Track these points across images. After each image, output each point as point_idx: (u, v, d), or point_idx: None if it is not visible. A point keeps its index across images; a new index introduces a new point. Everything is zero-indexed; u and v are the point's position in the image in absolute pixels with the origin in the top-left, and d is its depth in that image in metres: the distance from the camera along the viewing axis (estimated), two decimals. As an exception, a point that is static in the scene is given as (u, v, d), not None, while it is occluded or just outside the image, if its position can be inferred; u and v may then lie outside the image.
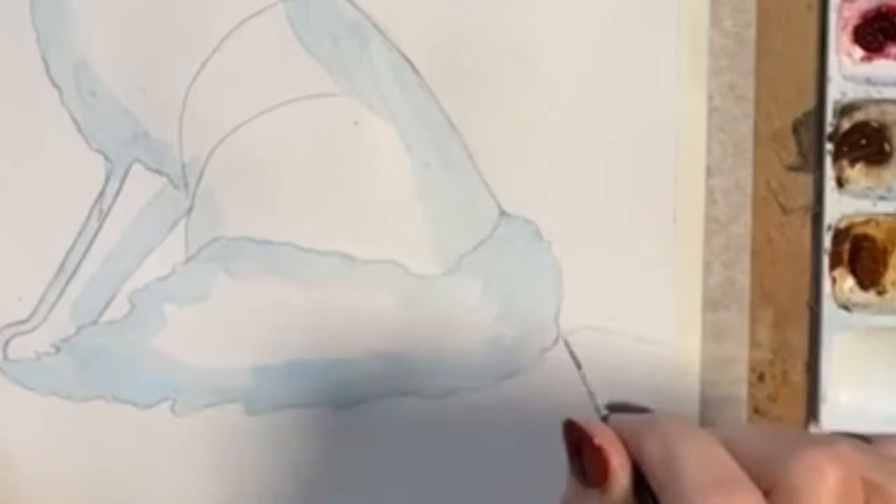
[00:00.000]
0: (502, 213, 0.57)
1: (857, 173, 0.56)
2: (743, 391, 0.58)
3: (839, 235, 0.56)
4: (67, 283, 0.58)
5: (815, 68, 0.57)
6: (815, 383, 0.57)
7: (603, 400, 0.43)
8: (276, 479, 0.59)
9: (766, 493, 0.38)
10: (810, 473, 0.38)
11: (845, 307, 0.56)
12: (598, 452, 0.40)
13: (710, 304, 0.57)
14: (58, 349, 0.58)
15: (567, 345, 0.45)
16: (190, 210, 0.58)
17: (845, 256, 0.56)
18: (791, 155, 0.57)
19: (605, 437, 0.41)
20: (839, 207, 0.56)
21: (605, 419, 0.42)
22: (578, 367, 0.45)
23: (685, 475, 0.38)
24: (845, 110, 0.56)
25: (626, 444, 0.40)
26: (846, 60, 0.56)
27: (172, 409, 0.58)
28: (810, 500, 0.38)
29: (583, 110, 0.57)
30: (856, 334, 0.56)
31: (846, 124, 0.56)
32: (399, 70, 0.57)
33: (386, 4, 0.57)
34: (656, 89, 0.56)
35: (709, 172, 0.57)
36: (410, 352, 0.58)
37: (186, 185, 0.58)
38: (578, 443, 0.41)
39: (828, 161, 0.56)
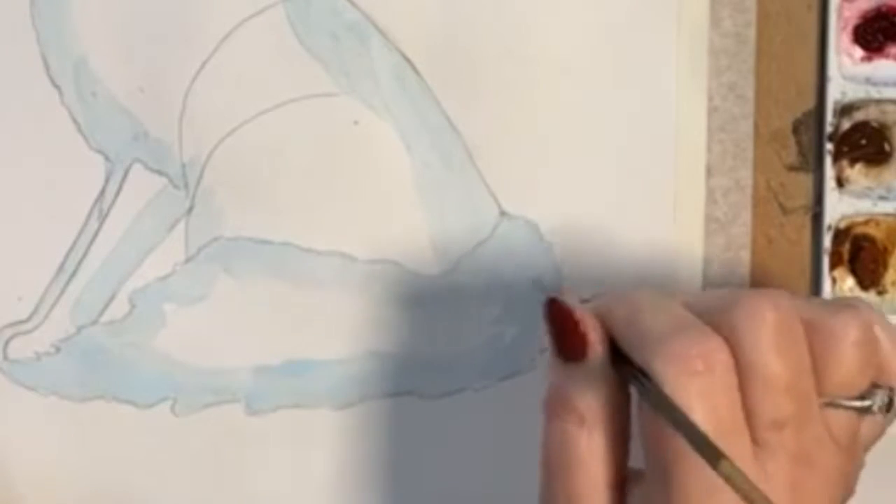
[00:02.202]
0: (502, 213, 0.57)
1: (857, 173, 0.56)
2: (743, 391, 0.58)
3: (839, 235, 0.56)
4: (67, 283, 0.58)
5: (815, 68, 0.57)
6: (815, 383, 0.57)
7: None
8: (276, 479, 0.59)
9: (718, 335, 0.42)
10: (750, 314, 0.42)
11: (845, 307, 0.56)
12: (577, 326, 0.44)
13: (710, 304, 0.57)
14: (58, 349, 0.58)
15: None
16: (190, 210, 0.58)
17: (845, 256, 0.56)
18: (791, 155, 0.57)
19: (582, 313, 0.44)
20: (839, 207, 0.56)
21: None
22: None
23: (648, 327, 0.43)
24: (845, 110, 0.56)
25: (601, 320, 0.44)
26: (846, 60, 0.56)
27: (172, 409, 0.58)
28: (751, 336, 0.42)
29: (583, 110, 0.57)
30: (856, 334, 0.56)
31: (846, 124, 0.56)
32: (399, 70, 0.57)
33: (386, 4, 0.57)
34: (656, 89, 0.56)
35: (709, 172, 0.57)
36: (410, 352, 0.58)
37: (186, 185, 0.58)
38: (559, 321, 0.44)
39: (828, 161, 0.56)
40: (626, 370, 0.43)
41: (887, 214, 0.56)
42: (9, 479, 0.59)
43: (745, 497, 0.39)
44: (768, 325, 0.42)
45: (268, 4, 0.57)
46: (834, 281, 0.56)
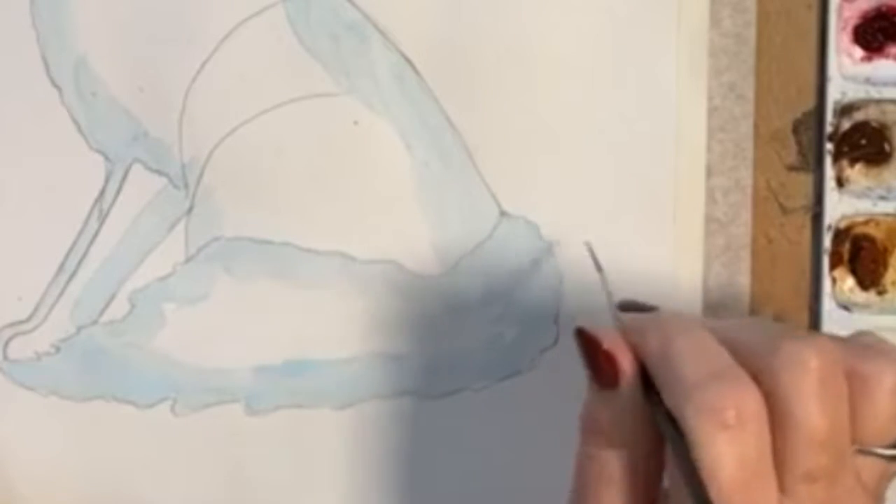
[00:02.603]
0: (502, 213, 0.57)
1: (857, 173, 0.56)
2: (743, 391, 0.57)
3: (839, 235, 0.56)
4: (67, 283, 0.58)
5: (815, 68, 0.57)
6: (815, 383, 0.57)
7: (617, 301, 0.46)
8: (276, 479, 0.59)
9: (755, 381, 0.41)
10: (794, 361, 0.41)
11: (845, 307, 0.56)
12: (607, 356, 0.43)
13: (710, 304, 0.57)
14: (58, 349, 0.58)
15: (589, 248, 0.47)
16: (190, 210, 0.58)
17: (845, 256, 0.56)
18: (791, 155, 0.57)
19: (612, 342, 0.43)
20: (839, 207, 0.56)
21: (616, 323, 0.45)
22: (599, 269, 0.47)
23: (681, 369, 0.41)
24: (845, 110, 0.56)
25: (631, 343, 0.43)
26: (846, 60, 0.56)
27: (172, 409, 0.58)
28: (792, 386, 0.40)
29: (583, 110, 0.57)
30: (856, 334, 0.56)
31: (846, 124, 0.56)
32: (399, 70, 0.57)
33: (386, 4, 0.57)
34: (656, 89, 0.56)
35: (709, 172, 0.57)
36: (410, 352, 0.58)
37: (186, 185, 0.58)
38: (589, 350, 0.43)
39: (828, 161, 0.56)
40: (655, 406, 0.42)
41: (887, 214, 0.56)
42: (9, 479, 0.59)
43: None
44: (812, 376, 0.40)
45: (268, 4, 0.57)
46: (834, 281, 0.56)
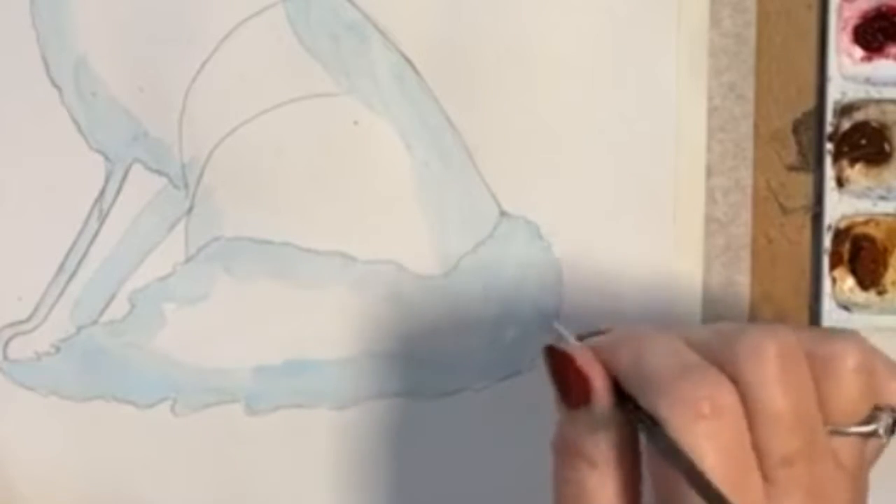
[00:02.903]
0: (502, 213, 0.57)
1: (857, 173, 0.56)
2: (743, 391, 0.57)
3: (839, 235, 0.56)
4: (67, 283, 0.58)
5: (815, 68, 0.57)
6: (815, 383, 0.57)
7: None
8: (276, 479, 0.59)
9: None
10: (752, 351, 0.42)
11: (845, 307, 0.56)
12: (579, 374, 0.43)
13: (710, 304, 0.57)
14: (58, 349, 0.58)
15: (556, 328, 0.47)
16: (190, 210, 0.58)
17: (845, 256, 0.56)
18: (791, 155, 0.57)
19: (584, 358, 0.44)
20: (839, 207, 0.56)
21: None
22: (553, 322, 0.47)
23: (654, 371, 0.42)
24: (845, 110, 0.56)
25: (601, 360, 0.44)
26: (846, 60, 0.56)
27: (172, 409, 0.58)
28: (754, 373, 0.42)
29: (583, 110, 0.57)
30: (856, 334, 0.56)
31: (846, 124, 0.56)
32: (399, 70, 0.57)
33: (386, 4, 0.57)
34: (656, 89, 0.56)
35: (709, 172, 0.57)
36: (410, 352, 0.58)
37: (186, 185, 0.58)
38: (560, 368, 0.44)
39: (828, 161, 0.56)
40: (633, 413, 0.43)
41: (887, 214, 0.56)
42: (9, 479, 0.59)
43: None
44: (771, 360, 0.42)
45: (268, 4, 0.57)
46: (834, 281, 0.56)
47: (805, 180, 0.57)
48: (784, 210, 0.57)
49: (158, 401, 0.58)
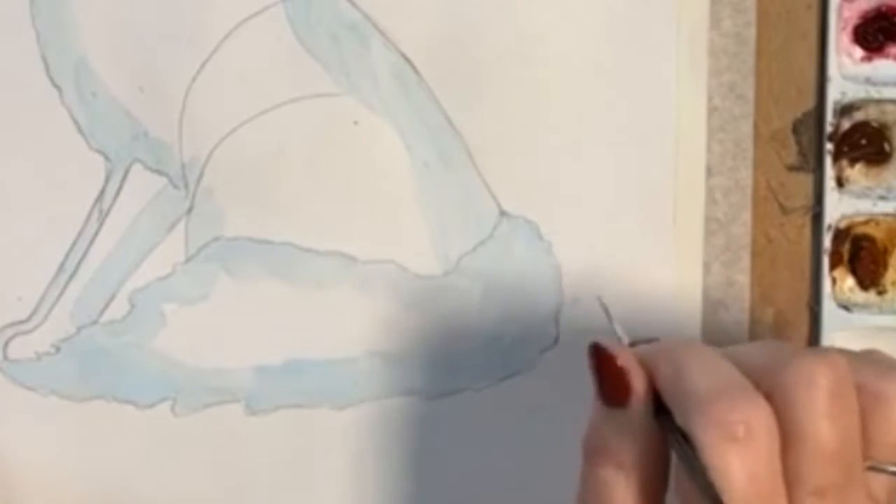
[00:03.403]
0: (502, 213, 0.57)
1: (857, 173, 0.56)
2: (743, 391, 0.57)
3: (839, 235, 0.56)
4: (67, 283, 0.58)
5: (815, 68, 0.57)
6: (815, 383, 0.57)
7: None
8: (276, 479, 0.59)
9: (766, 398, 0.41)
10: (803, 378, 0.41)
11: (845, 307, 0.56)
12: (621, 373, 0.43)
13: (710, 304, 0.57)
14: (58, 349, 0.58)
15: (600, 301, 0.47)
16: (190, 210, 0.58)
17: (845, 256, 0.56)
18: (791, 155, 0.57)
19: (626, 360, 0.43)
20: (839, 207, 0.56)
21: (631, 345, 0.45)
22: (611, 320, 0.47)
23: (692, 386, 0.41)
24: (845, 110, 0.56)
25: (646, 369, 0.43)
26: (846, 60, 0.56)
27: (172, 409, 0.58)
28: (802, 401, 0.41)
29: (583, 110, 0.57)
30: (856, 334, 0.56)
31: (846, 124, 0.56)
32: (399, 70, 0.57)
33: (386, 4, 0.57)
34: (656, 89, 0.56)
35: (709, 172, 0.57)
36: (410, 352, 0.58)
37: (186, 185, 0.58)
38: (602, 366, 0.44)
39: (828, 161, 0.56)
40: (666, 425, 0.42)
41: (887, 214, 0.56)
42: (9, 479, 0.59)
43: None
44: (822, 391, 0.41)
45: (268, 4, 0.57)
46: (834, 281, 0.56)
47: (805, 180, 0.57)
48: (784, 210, 0.57)
49: (158, 401, 0.58)
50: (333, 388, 0.58)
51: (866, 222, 0.56)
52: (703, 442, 0.40)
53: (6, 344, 0.59)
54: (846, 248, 0.56)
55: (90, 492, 0.59)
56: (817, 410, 0.41)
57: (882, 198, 0.56)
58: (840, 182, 0.56)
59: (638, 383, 0.43)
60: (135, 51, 0.57)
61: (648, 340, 0.45)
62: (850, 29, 0.56)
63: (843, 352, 0.42)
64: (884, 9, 0.56)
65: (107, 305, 0.58)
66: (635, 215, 0.57)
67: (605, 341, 0.44)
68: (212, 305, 0.58)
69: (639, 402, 0.43)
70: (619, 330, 0.46)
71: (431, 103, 0.57)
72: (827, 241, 0.56)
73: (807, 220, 0.57)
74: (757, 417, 0.40)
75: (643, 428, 0.43)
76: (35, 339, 0.58)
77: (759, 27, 0.56)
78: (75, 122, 0.58)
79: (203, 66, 0.57)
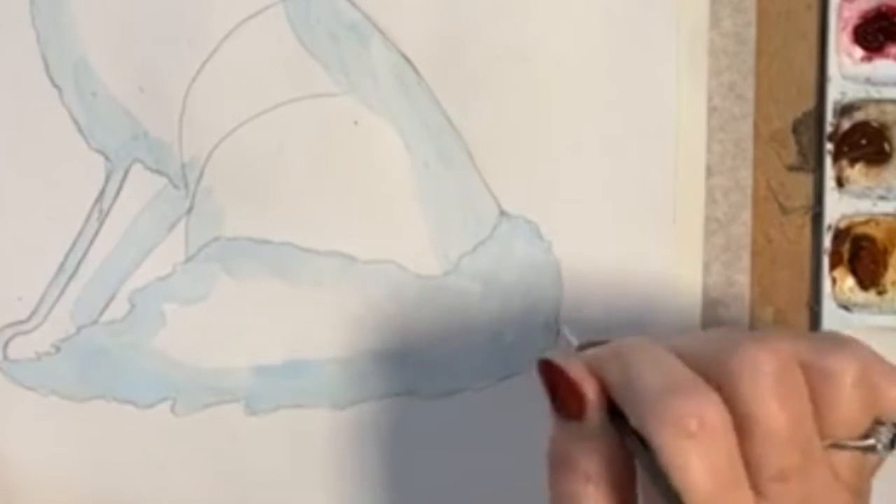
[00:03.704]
0: (502, 213, 0.57)
1: (857, 173, 0.56)
2: (743, 391, 0.57)
3: (839, 235, 0.56)
4: (67, 283, 0.58)
5: (815, 68, 0.57)
6: (815, 383, 0.57)
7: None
8: (276, 479, 0.59)
9: (715, 389, 0.41)
10: (747, 365, 0.41)
11: (845, 307, 0.56)
12: (572, 386, 0.43)
13: (710, 304, 0.57)
14: (58, 349, 0.58)
15: (562, 330, 0.47)
16: (190, 210, 0.58)
17: (845, 256, 0.56)
18: (791, 155, 0.57)
19: (576, 371, 0.43)
20: (839, 207, 0.56)
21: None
22: (558, 331, 0.47)
23: (641, 387, 0.41)
24: (845, 110, 0.56)
25: (595, 373, 0.43)
26: (846, 60, 0.56)
27: (172, 409, 0.58)
28: (749, 388, 0.41)
29: (583, 110, 0.57)
30: (856, 334, 0.56)
31: (846, 124, 0.56)
32: (399, 70, 0.57)
33: (386, 4, 0.57)
34: (656, 89, 0.56)
35: (709, 172, 0.57)
36: (410, 352, 0.58)
37: (186, 185, 0.58)
38: (554, 380, 0.44)
39: (828, 161, 0.56)
40: (623, 430, 0.42)
41: (887, 214, 0.56)
42: (9, 479, 0.59)
43: None
44: (767, 376, 0.41)
45: (268, 4, 0.57)
46: (834, 281, 0.56)
47: (805, 180, 0.57)
48: (784, 210, 0.57)
49: (158, 401, 0.58)
50: (333, 388, 0.58)
51: (866, 222, 0.56)
52: (658, 442, 0.40)
53: (6, 344, 0.59)
54: (846, 248, 0.56)
55: (90, 492, 0.59)
56: (765, 396, 0.41)
57: (882, 198, 0.56)
58: (840, 182, 0.56)
59: (590, 392, 0.43)
60: (135, 51, 0.57)
61: (598, 343, 0.45)
62: (850, 29, 0.56)
63: (786, 333, 0.43)
64: (884, 9, 0.56)
65: (107, 305, 0.58)
66: (635, 215, 0.57)
67: (554, 355, 0.44)
68: (212, 305, 0.58)
69: (594, 411, 0.43)
70: (566, 333, 0.46)
71: (431, 103, 0.57)
72: (827, 241, 0.56)
73: (807, 220, 0.57)
74: (708, 410, 0.40)
75: (603, 436, 0.43)
76: (35, 339, 0.58)
77: (759, 27, 0.56)
78: (75, 122, 0.58)
79: (203, 66, 0.57)
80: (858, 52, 0.56)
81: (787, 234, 0.57)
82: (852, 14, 0.56)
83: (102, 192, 0.58)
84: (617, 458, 0.43)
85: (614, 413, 0.43)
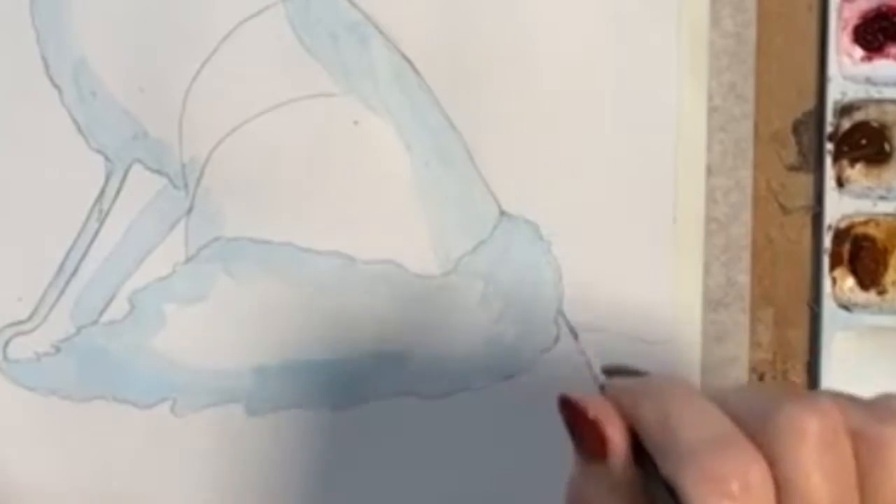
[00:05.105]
0: (502, 213, 0.57)
1: (857, 173, 0.56)
2: (743, 391, 0.57)
3: (839, 235, 0.56)
4: (67, 283, 0.58)
5: (815, 68, 0.57)
6: (815, 383, 0.57)
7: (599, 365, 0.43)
8: (276, 479, 0.59)
9: (757, 448, 0.39)
10: (792, 426, 0.39)
11: (845, 307, 0.56)
12: (594, 426, 0.40)
13: (710, 304, 0.57)
14: (58, 349, 0.58)
15: (563, 315, 0.46)
16: (190, 210, 0.58)
17: (845, 256, 0.56)
18: (791, 155, 0.57)
19: (599, 410, 0.40)
20: (839, 207, 0.56)
21: (602, 388, 0.42)
22: (575, 336, 0.45)
23: (680, 436, 0.39)
24: (845, 110, 0.56)
25: (622, 411, 0.40)
26: (846, 60, 0.56)
27: (172, 409, 0.58)
28: (793, 452, 0.38)
29: (583, 110, 0.57)
30: (856, 334, 0.56)
31: (846, 124, 0.56)
32: (399, 70, 0.57)
33: (386, 4, 0.57)
34: (656, 89, 0.56)
35: (709, 172, 0.57)
36: (410, 352, 0.58)
37: (186, 185, 0.58)
38: (574, 419, 0.41)
39: (828, 161, 0.56)
40: (650, 474, 0.40)
41: (887, 214, 0.56)
42: (9, 479, 0.59)
43: None
44: (811, 441, 0.38)
45: (268, 4, 0.57)
46: (834, 281, 0.56)
47: (805, 180, 0.57)
48: (784, 210, 0.57)
49: (158, 401, 0.58)
50: (333, 388, 0.58)
51: (866, 222, 0.56)
52: (692, 496, 0.38)
53: (6, 344, 0.59)
54: (846, 248, 0.56)
55: (90, 492, 0.59)
56: (807, 463, 0.39)
57: (882, 198, 0.56)
58: (840, 182, 0.56)
59: (614, 434, 0.40)
60: (135, 51, 0.57)
61: (627, 369, 0.42)
62: (850, 29, 0.56)
63: (839, 395, 0.40)
64: (884, 9, 0.56)
65: (107, 305, 0.58)
66: (635, 215, 0.57)
67: (575, 395, 0.41)
68: (212, 305, 0.58)
69: (617, 453, 0.40)
70: (595, 369, 0.43)
71: (431, 103, 0.57)
72: (827, 241, 0.56)
73: (807, 220, 0.57)
74: (752, 472, 0.38)
75: (625, 481, 0.40)
76: (35, 339, 0.58)
77: (760, 27, 0.56)
78: (75, 122, 0.58)
79: (203, 66, 0.57)
80: (858, 52, 0.56)
81: (788, 234, 0.57)
82: (852, 14, 0.56)
83: (102, 192, 0.58)
84: (638, 502, 0.40)
85: (640, 455, 0.40)
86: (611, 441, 0.40)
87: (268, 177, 0.58)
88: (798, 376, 0.58)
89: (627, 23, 0.56)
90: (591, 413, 0.40)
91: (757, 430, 0.39)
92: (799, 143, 0.57)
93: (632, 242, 0.57)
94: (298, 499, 0.59)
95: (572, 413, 0.41)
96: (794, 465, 0.39)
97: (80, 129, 0.58)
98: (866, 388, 0.57)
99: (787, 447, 0.39)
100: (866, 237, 0.56)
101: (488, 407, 0.58)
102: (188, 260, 0.58)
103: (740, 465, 0.38)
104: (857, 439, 0.40)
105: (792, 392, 0.42)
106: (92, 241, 0.58)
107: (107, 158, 0.58)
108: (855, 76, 0.56)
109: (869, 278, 0.56)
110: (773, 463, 0.39)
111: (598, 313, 0.57)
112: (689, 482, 0.38)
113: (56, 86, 0.58)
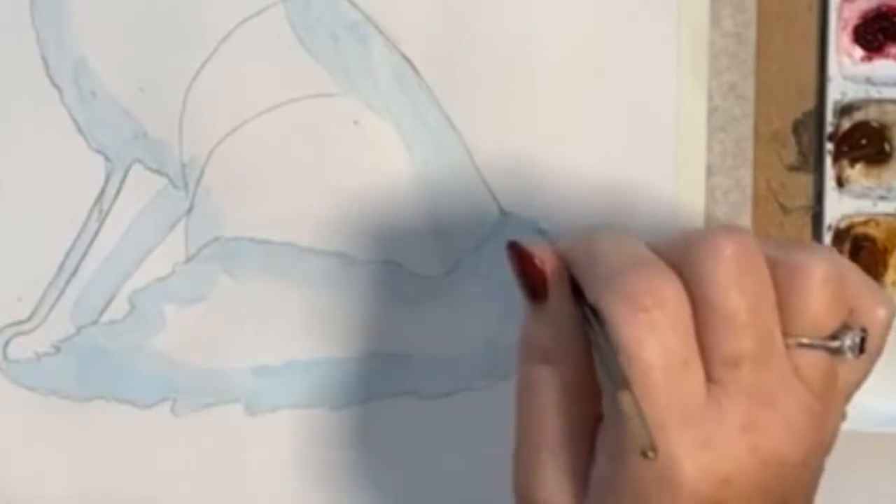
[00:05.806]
0: (502, 212, 0.57)
1: (857, 173, 0.56)
2: (743, 391, 0.57)
3: (839, 235, 0.56)
4: (67, 283, 0.58)
5: (815, 68, 0.57)
6: (815, 383, 0.57)
7: None
8: (276, 479, 0.59)
9: (678, 275, 0.41)
10: (708, 249, 0.41)
11: (845, 307, 0.56)
12: (536, 268, 0.44)
13: (710, 304, 0.57)
14: (58, 349, 0.58)
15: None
16: (190, 210, 0.58)
17: (845, 256, 0.56)
18: (791, 155, 0.57)
19: (542, 252, 0.44)
20: (839, 207, 0.56)
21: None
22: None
23: (601, 263, 0.42)
24: (845, 110, 0.56)
25: (562, 255, 0.44)
26: (846, 60, 0.56)
27: (172, 409, 0.58)
28: (709, 271, 0.41)
29: (583, 110, 0.57)
30: (856, 334, 0.56)
31: (846, 124, 0.56)
32: (399, 70, 0.57)
33: (386, 4, 0.57)
34: (656, 89, 0.56)
35: (709, 172, 0.57)
36: (410, 352, 0.58)
37: (186, 185, 0.58)
38: (521, 263, 0.44)
39: (828, 161, 0.56)
40: (581, 307, 0.43)
41: (887, 214, 0.56)
42: (9, 479, 0.59)
43: (631, 433, 0.38)
44: (727, 260, 0.41)
45: (268, 4, 0.57)
46: (834, 281, 0.56)
47: (805, 180, 0.57)
48: (784, 210, 0.57)
49: (158, 401, 0.58)
50: (333, 388, 0.58)
51: (866, 222, 0.56)
52: (612, 317, 0.41)
53: (6, 344, 0.59)
54: (846, 248, 0.56)
55: (90, 492, 0.59)
56: (723, 279, 0.41)
57: (882, 198, 0.56)
58: (840, 182, 0.56)
59: (552, 275, 0.43)
60: (135, 51, 0.57)
61: None
62: (850, 29, 0.56)
63: (760, 235, 0.43)
64: (884, 9, 0.56)
65: (107, 305, 0.58)
66: (636, 215, 0.57)
67: (521, 239, 0.45)
68: (212, 305, 0.58)
69: (557, 291, 0.43)
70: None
71: (431, 103, 0.57)
72: (827, 241, 0.56)
73: (807, 220, 0.57)
74: (665, 287, 0.41)
75: (566, 318, 0.43)
76: (35, 339, 0.58)
77: (759, 27, 0.56)
78: (75, 122, 0.58)
79: (203, 66, 0.57)
80: (858, 52, 0.56)
81: (788, 233, 0.57)
82: (852, 14, 0.56)
83: (102, 192, 0.58)
84: (579, 341, 0.43)
85: (580, 297, 0.43)
86: (551, 280, 0.44)
87: (268, 177, 0.58)
88: (798, 376, 0.58)
89: (627, 23, 0.56)
90: (536, 256, 0.44)
91: (676, 257, 0.41)
92: (799, 143, 0.57)
93: (632, 242, 0.57)
94: (298, 499, 0.59)
95: (518, 257, 0.44)
96: (713, 284, 0.41)
97: (80, 129, 0.58)
98: (866, 388, 0.57)
99: (704, 268, 0.41)
100: (866, 237, 0.56)
101: (488, 407, 0.58)
102: (188, 260, 0.58)
103: (653, 282, 0.41)
104: (776, 265, 0.42)
105: (712, 227, 0.44)
106: (92, 241, 0.58)
107: (107, 158, 0.58)
108: (855, 76, 0.56)
109: (869, 278, 0.56)
110: (691, 284, 0.41)
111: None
112: (608, 302, 0.41)
113: (56, 86, 0.58)
